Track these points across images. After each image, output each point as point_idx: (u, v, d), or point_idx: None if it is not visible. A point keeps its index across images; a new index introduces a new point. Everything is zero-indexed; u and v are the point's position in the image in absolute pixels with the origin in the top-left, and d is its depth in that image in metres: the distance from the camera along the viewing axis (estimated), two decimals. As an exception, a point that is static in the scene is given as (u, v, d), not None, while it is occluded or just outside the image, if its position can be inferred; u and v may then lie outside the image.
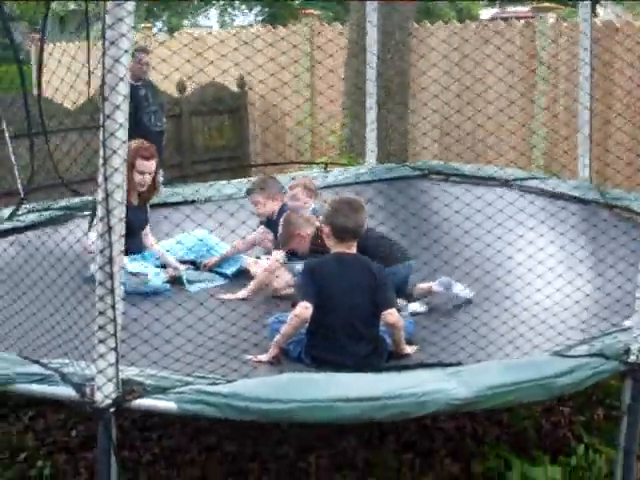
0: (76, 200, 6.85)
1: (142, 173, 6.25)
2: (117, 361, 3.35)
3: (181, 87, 12.59)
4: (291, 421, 3.42)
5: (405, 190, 7.32)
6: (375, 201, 6.74)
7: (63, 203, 6.82)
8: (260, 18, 22.88)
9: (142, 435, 5.13)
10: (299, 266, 5.96)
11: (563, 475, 4.58)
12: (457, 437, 5.08)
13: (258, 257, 6.62)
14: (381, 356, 4.77)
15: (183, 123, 12.62)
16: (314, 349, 4.72)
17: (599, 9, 22.25)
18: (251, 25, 20.19)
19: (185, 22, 24.34)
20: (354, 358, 4.58)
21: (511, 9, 25.68)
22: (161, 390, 3.43)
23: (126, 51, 3.13)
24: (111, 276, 3.24)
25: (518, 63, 10.53)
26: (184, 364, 4.13)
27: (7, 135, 10.32)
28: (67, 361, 3.70)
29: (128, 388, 3.43)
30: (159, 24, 24.04)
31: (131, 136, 3.39)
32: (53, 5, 24.15)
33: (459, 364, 3.93)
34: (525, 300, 5.32)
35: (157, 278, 6.09)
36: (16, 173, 10.17)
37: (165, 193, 7.11)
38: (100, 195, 3.25)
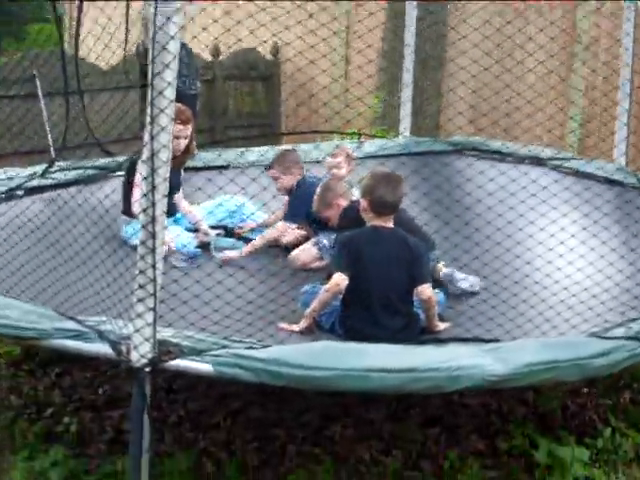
0: (109, 160, 6.85)
1: (177, 137, 6.19)
2: (155, 321, 3.35)
3: (215, 51, 12.53)
4: (326, 389, 3.41)
5: (438, 165, 7.27)
6: (408, 175, 6.68)
7: (96, 162, 6.80)
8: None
9: (168, 397, 5.14)
10: (325, 240, 5.98)
11: (590, 456, 4.57)
12: (482, 414, 5.06)
13: None
14: (414, 331, 4.76)
15: (216, 88, 12.57)
16: (348, 320, 4.72)
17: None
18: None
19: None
20: (388, 331, 4.58)
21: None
22: (197, 352, 3.43)
23: (178, 9, 3.10)
24: (153, 235, 3.23)
25: (557, 45, 10.39)
26: (220, 328, 4.13)
27: (40, 92, 10.40)
28: (104, 319, 3.70)
29: (164, 348, 3.43)
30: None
31: None
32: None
33: (496, 340, 3.91)
34: (561, 281, 5.28)
35: (189, 244, 6.09)
36: (47, 130, 10.25)
37: (205, 156, 7.08)
38: (145, 154, 3.23)
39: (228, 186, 6.17)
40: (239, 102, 12.99)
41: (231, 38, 11.75)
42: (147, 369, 3.39)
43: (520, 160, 7.16)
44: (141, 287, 3.30)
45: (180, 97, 7.38)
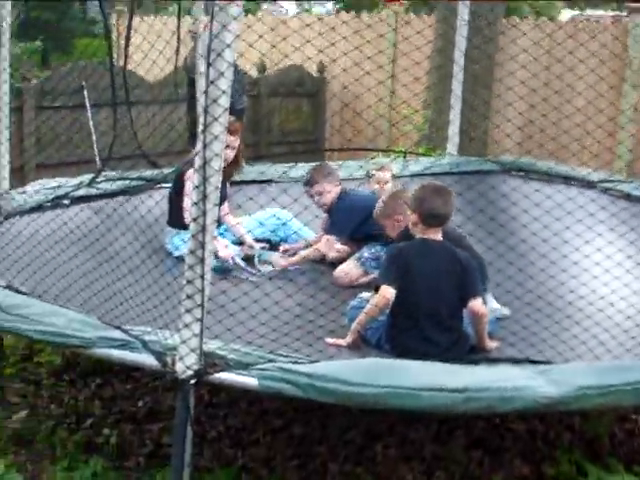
0: (155, 171, 6.86)
1: (226, 147, 6.18)
2: (202, 332, 3.30)
3: (261, 68, 12.56)
4: (374, 407, 3.33)
5: (485, 185, 7.17)
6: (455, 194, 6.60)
7: (142, 173, 6.81)
8: (338, 6, 22.77)
9: (207, 411, 5.09)
10: (367, 253, 5.91)
11: (639, 485, 4.45)
12: (528, 439, 4.95)
13: None
14: (464, 348, 4.67)
15: (261, 104, 12.60)
16: (395, 336, 4.64)
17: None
18: (330, 14, 20.05)
19: (264, 6, 24.29)
20: (437, 348, 4.50)
21: (591, 12, 25.25)
22: (243, 365, 3.38)
23: (235, 18, 3.07)
24: (203, 245, 3.19)
25: (608, 69, 10.28)
26: (267, 341, 4.07)
27: (88, 103, 10.47)
28: (149, 329, 3.66)
29: (210, 361, 3.38)
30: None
31: None
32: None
33: (548, 362, 3.82)
34: (615, 304, 5.18)
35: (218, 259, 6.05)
36: (94, 141, 10.32)
37: (249, 171, 7.06)
38: (197, 162, 3.19)
39: (270, 202, 6.19)
40: (284, 119, 13.00)
41: (278, 55, 11.81)
42: (192, 381, 3.34)
43: (569, 182, 7.02)
44: (189, 297, 3.26)
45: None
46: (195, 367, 3.34)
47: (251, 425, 4.93)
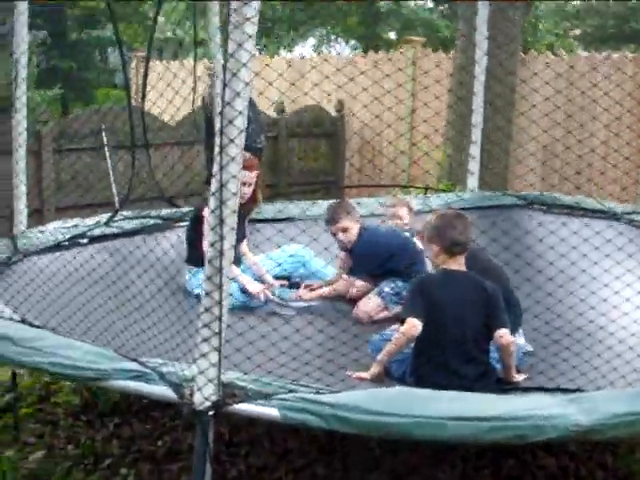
0: (172, 210, 6.83)
1: (243, 184, 6.12)
2: (220, 362, 3.19)
3: (279, 108, 12.58)
4: (399, 437, 3.21)
5: (507, 219, 7.05)
6: (477, 229, 6.50)
7: (160, 212, 6.79)
8: (357, 50, 22.90)
9: (229, 450, 4.98)
10: (387, 288, 5.81)
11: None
12: (559, 476, 4.80)
13: None
14: (491, 380, 4.54)
15: (280, 144, 12.60)
16: (420, 369, 4.52)
17: None
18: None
19: (281, 51, 24.48)
20: (464, 380, 4.36)
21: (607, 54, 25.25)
22: (263, 396, 3.27)
23: (250, 36, 3.00)
24: (220, 271, 3.09)
25: (630, 100, 10.19)
26: (287, 371, 3.96)
27: (106, 147, 10.51)
28: (166, 361, 3.57)
29: (229, 391, 3.27)
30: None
31: None
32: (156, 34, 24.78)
33: (579, 390, 3.68)
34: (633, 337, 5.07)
35: (246, 295, 5.96)
36: (112, 182, 10.34)
37: (268, 209, 7.00)
38: (214, 186, 3.11)
39: (288, 241, 6.15)
40: (303, 159, 12.99)
41: (296, 94, 11.81)
42: (211, 412, 3.23)
43: (594, 215, 6.90)
44: (206, 326, 3.16)
45: (246, 149, 7.39)
46: (213, 398, 3.23)
47: (273, 464, 4.82)
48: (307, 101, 12.41)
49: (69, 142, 10.33)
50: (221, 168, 3.04)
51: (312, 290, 6.11)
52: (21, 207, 6.01)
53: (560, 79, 10.56)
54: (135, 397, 5.25)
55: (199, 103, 8.69)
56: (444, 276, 4.67)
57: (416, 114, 12.52)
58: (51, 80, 20.60)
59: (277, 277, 6.27)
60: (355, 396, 3.33)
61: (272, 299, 5.93)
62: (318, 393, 3.33)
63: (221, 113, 3.04)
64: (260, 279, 6.15)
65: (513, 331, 4.77)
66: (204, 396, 3.23)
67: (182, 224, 6.50)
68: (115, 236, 6.26)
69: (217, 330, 3.15)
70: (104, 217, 6.55)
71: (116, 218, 6.48)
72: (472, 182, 7.61)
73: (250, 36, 3.01)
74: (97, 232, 6.28)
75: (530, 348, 5.19)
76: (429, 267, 5.32)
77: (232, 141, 3.06)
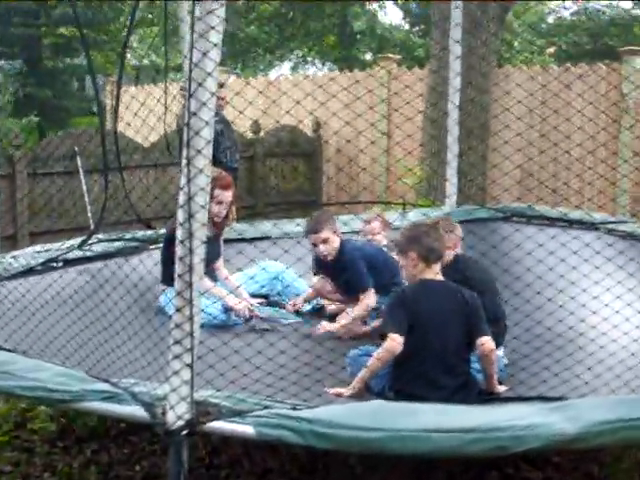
0: (148, 232, 6.76)
1: (220, 203, 6.06)
2: (192, 379, 3.11)
3: (256, 128, 12.53)
4: (379, 452, 3.13)
5: (487, 233, 7.01)
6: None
7: (135, 235, 6.73)
8: (333, 71, 22.98)
9: (209, 473, 4.88)
10: None
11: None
12: (543, 489, 4.73)
13: None
14: (472, 392, 4.47)
15: (256, 165, 12.55)
16: (399, 382, 4.44)
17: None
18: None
19: (259, 74, 24.54)
20: (444, 392, 4.29)
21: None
22: (238, 413, 3.18)
23: (215, 44, 2.94)
24: (190, 286, 3.02)
25: (603, 110, 10.20)
26: (262, 387, 3.88)
27: (80, 169, 10.43)
28: (138, 381, 3.48)
29: (202, 409, 3.19)
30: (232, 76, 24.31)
31: None
32: (129, 61, 24.83)
33: (562, 398, 3.62)
34: (626, 333, 5.02)
35: (227, 314, 5.90)
36: (87, 206, 10.25)
37: (241, 228, 6.94)
38: (182, 198, 3.04)
39: (265, 256, 6.07)
40: (280, 179, 12.94)
41: (272, 115, 11.77)
42: (184, 432, 3.14)
43: (572, 225, 6.89)
44: (177, 342, 3.07)
45: (222, 168, 7.34)
46: (186, 417, 3.15)
47: (254, 486, 4.72)
48: (283, 121, 12.39)
49: (43, 166, 10.23)
50: (189, 180, 2.97)
51: (294, 305, 6.04)
52: (-7, 233, 5.95)
53: (535, 94, 10.56)
54: (113, 421, 5.16)
55: (174, 125, 8.65)
56: (423, 287, 4.62)
57: (393, 131, 12.51)
58: (27, 108, 20.55)
59: (255, 295, 6.21)
60: (333, 411, 3.26)
61: (258, 315, 5.86)
62: (295, 409, 3.25)
63: (187, 124, 2.97)
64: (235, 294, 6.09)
65: (497, 345, 4.71)
66: (177, 415, 3.14)
67: (158, 246, 6.43)
68: (89, 259, 6.18)
69: (189, 346, 3.07)
70: (78, 241, 6.47)
71: (91, 241, 6.40)
72: (449, 203, 7.59)
73: (215, 45, 2.95)
74: (71, 256, 6.20)
75: (506, 361, 5.13)
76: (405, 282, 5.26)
77: (199, 152, 2.99)
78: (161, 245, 6.26)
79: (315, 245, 5.85)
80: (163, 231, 6.67)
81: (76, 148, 10.37)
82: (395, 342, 4.39)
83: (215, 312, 5.71)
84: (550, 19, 25.00)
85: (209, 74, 2.95)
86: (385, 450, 3.10)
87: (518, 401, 3.77)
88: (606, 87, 10.83)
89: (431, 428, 3.08)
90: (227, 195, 6.10)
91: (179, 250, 3.05)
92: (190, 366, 3.10)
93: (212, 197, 5.87)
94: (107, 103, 16.85)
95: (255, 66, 25.86)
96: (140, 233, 6.83)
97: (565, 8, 24.21)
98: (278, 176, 12.92)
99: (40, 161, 10.28)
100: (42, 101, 21.45)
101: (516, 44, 22.60)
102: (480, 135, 10.56)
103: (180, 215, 3.05)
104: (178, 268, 3.08)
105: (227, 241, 6.53)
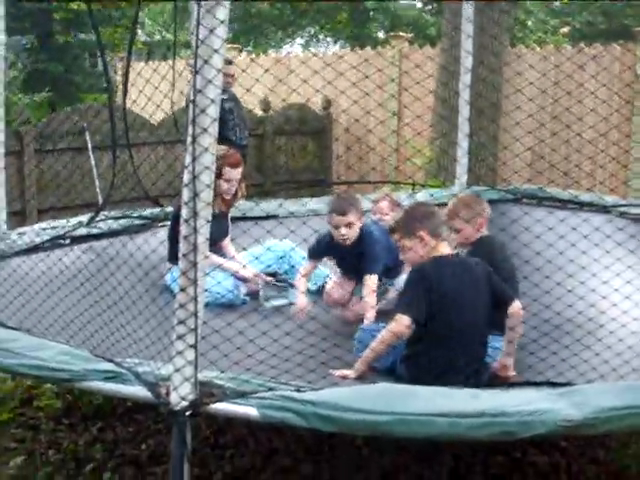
0: (156, 210, 6.73)
1: (229, 181, 6.01)
2: (196, 359, 3.08)
3: (265, 106, 12.46)
4: (384, 435, 3.10)
5: (496, 215, 6.92)
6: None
7: (142, 212, 6.71)
8: (345, 49, 22.86)
9: (214, 453, 4.86)
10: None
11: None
12: (550, 473, 4.69)
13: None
14: (483, 377, 4.43)
15: (266, 143, 12.48)
16: (416, 358, 4.39)
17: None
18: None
19: (270, 51, 24.44)
20: (460, 377, 4.23)
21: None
22: (242, 394, 3.15)
23: (222, 21, 2.89)
24: (194, 265, 2.98)
25: (616, 91, 10.11)
26: (266, 368, 3.85)
27: (89, 145, 10.38)
28: (142, 361, 3.46)
29: (206, 390, 3.16)
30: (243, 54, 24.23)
31: None
32: (140, 37, 24.75)
33: (569, 384, 3.57)
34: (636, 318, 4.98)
35: (236, 292, 5.87)
36: (96, 183, 10.21)
37: (249, 206, 6.89)
38: (186, 177, 3.00)
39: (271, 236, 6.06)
40: (290, 157, 12.88)
41: (281, 93, 11.70)
42: (188, 412, 3.12)
43: (584, 208, 6.81)
44: (181, 322, 3.04)
45: (230, 145, 7.29)
46: (190, 397, 3.12)
47: (259, 465, 4.70)
48: (293, 99, 12.31)
49: (51, 142, 10.19)
50: (194, 159, 2.93)
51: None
52: (1, 207, 5.91)
53: (547, 74, 10.47)
54: (119, 399, 5.15)
55: (183, 103, 8.60)
56: (442, 264, 4.49)
57: (404, 110, 12.43)
58: (39, 84, 20.51)
59: (264, 273, 6.19)
60: (338, 393, 3.22)
61: (268, 280, 5.86)
62: (299, 391, 3.22)
63: (193, 102, 2.92)
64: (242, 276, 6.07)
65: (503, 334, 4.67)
66: (180, 395, 3.11)
67: (165, 224, 6.40)
68: (96, 236, 6.15)
69: (193, 326, 3.04)
70: (86, 218, 6.44)
71: (98, 218, 6.37)
72: (460, 178, 7.52)
73: (222, 21, 2.90)
74: (79, 233, 6.17)
75: None
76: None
77: (205, 130, 2.94)
78: (168, 223, 6.24)
79: (337, 227, 5.54)
80: (171, 209, 6.66)
81: (84, 124, 10.33)
82: (402, 325, 4.28)
83: (223, 291, 5.68)
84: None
85: (216, 51, 2.90)
86: (390, 433, 3.07)
87: (525, 386, 3.73)
88: (620, 68, 10.72)
89: (437, 412, 3.04)
90: (236, 173, 6.06)
91: (183, 229, 3.01)
92: (194, 347, 3.07)
93: (221, 175, 5.85)
94: (117, 79, 16.78)
95: (267, 43, 25.75)
96: (148, 211, 6.80)
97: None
98: (287, 154, 12.85)
99: (48, 137, 10.24)
100: (53, 76, 21.41)
101: (530, 23, 22.43)
102: (491, 115, 10.47)
103: (185, 194, 3.01)
104: (182, 247, 3.05)
105: (232, 219, 6.50)
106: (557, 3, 24.07)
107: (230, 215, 6.36)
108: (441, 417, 3.02)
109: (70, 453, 4.91)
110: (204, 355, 3.34)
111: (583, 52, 11.17)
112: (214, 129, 2.96)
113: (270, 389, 3.21)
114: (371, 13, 23.11)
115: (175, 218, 5.93)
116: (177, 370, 3.10)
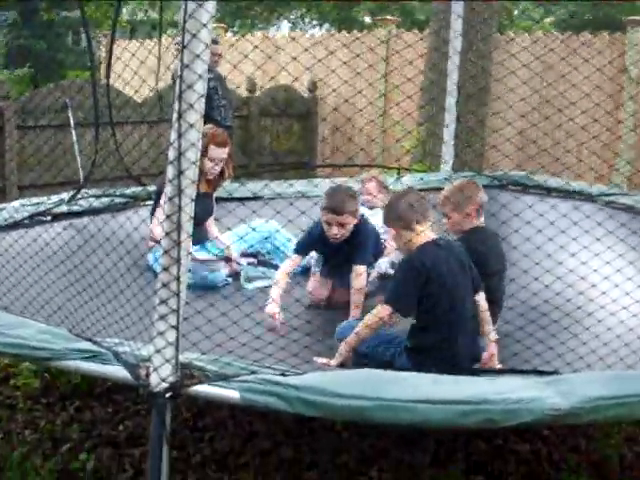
0: (138, 189, 6.66)
1: (213, 160, 5.93)
2: (177, 340, 3.02)
3: (251, 87, 12.36)
4: (367, 421, 3.05)
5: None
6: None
7: (124, 191, 6.64)
8: (332, 31, 22.73)
9: (193, 435, 4.81)
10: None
11: (652, 509, 4.18)
12: (531, 461, 4.67)
13: None
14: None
15: (251, 124, 12.39)
16: (421, 350, 4.37)
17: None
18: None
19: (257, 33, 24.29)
20: (465, 361, 4.25)
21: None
22: (223, 377, 3.09)
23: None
24: (178, 244, 2.91)
25: (606, 79, 10.06)
26: (249, 351, 3.80)
27: (72, 121, 10.27)
28: (122, 341, 3.39)
29: (187, 372, 3.10)
30: (229, 34, 24.07)
31: None
32: (124, 16, 24.52)
33: (556, 372, 3.54)
34: (625, 307, 4.96)
35: (218, 272, 5.82)
36: (77, 159, 10.11)
37: (234, 187, 6.83)
38: (171, 154, 2.92)
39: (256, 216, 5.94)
40: (275, 139, 12.79)
41: (269, 73, 11.62)
42: (168, 394, 3.05)
43: (570, 196, 6.79)
44: (163, 302, 2.97)
45: (216, 125, 7.21)
46: (171, 379, 3.05)
47: (239, 448, 4.66)
48: (279, 80, 12.23)
49: (33, 118, 10.06)
50: (179, 135, 2.86)
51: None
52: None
53: (536, 61, 10.42)
54: (97, 379, 5.08)
55: (169, 79, 8.51)
56: (433, 250, 4.43)
57: (390, 95, 12.36)
58: (21, 59, 20.32)
59: (244, 255, 6.13)
60: (322, 378, 3.17)
61: (250, 262, 5.88)
62: (282, 375, 3.16)
63: (180, 77, 2.85)
64: (226, 256, 6.03)
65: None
66: (161, 377, 3.05)
67: (147, 203, 6.35)
68: (77, 214, 6.08)
69: (175, 307, 2.97)
70: (67, 195, 6.37)
71: (80, 196, 6.29)
72: (446, 164, 7.49)
73: (209, -4, 2.82)
74: (59, 210, 6.10)
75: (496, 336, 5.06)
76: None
77: (191, 106, 2.87)
78: (151, 202, 6.18)
79: (329, 224, 5.26)
80: (153, 188, 6.59)
81: (67, 100, 10.20)
82: (387, 312, 4.30)
83: (203, 272, 5.64)
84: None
85: (204, 25, 2.83)
86: (374, 419, 3.02)
87: (511, 374, 3.69)
88: (610, 56, 10.69)
89: (422, 399, 3.00)
90: (221, 152, 5.99)
91: (167, 207, 2.94)
92: (176, 327, 3.00)
93: (206, 153, 5.77)
94: (102, 56, 16.63)
95: (254, 24, 25.56)
96: (131, 189, 6.73)
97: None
98: (272, 136, 12.76)
99: (30, 113, 10.11)
100: (36, 53, 21.21)
101: (516, 13, 22.38)
102: (479, 99, 10.42)
103: (169, 171, 2.94)
104: (166, 225, 2.98)
105: (218, 200, 6.44)
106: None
107: (215, 195, 6.29)
108: (425, 404, 2.97)
109: (47, 433, 4.85)
110: (185, 336, 3.28)
111: (571, 39, 11.12)
112: (200, 105, 2.89)
113: (253, 372, 3.16)
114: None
115: (157, 196, 5.87)
116: (158, 351, 3.04)
